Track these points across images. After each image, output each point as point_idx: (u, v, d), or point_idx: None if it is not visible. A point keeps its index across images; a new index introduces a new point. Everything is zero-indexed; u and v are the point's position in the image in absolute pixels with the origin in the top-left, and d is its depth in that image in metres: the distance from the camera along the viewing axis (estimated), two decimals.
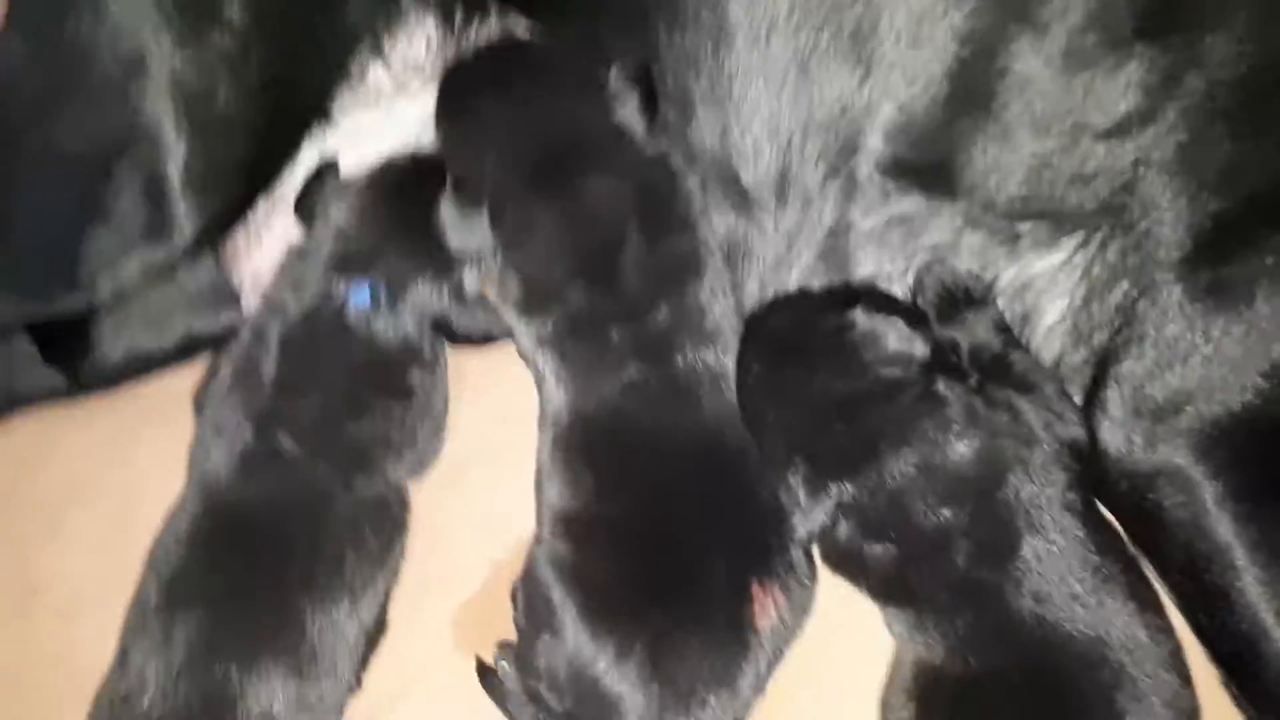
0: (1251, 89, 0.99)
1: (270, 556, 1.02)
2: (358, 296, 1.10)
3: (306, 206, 1.17)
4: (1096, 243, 1.05)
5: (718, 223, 1.13)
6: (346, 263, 1.12)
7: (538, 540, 1.04)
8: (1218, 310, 0.98)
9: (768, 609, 0.96)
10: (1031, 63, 1.03)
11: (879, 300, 1.08)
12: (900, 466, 0.96)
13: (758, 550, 0.98)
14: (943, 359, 1.03)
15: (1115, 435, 1.01)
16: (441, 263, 1.13)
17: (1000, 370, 1.07)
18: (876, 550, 0.98)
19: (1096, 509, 1.00)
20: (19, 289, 1.11)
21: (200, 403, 1.14)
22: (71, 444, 1.24)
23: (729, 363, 1.05)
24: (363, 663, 1.06)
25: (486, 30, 1.21)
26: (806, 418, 1.01)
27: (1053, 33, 1.02)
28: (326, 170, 1.19)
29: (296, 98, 1.15)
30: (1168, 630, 0.95)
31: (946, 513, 0.95)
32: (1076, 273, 1.07)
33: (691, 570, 0.97)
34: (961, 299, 1.09)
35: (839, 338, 1.02)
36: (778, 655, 0.99)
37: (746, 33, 1.08)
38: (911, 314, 1.06)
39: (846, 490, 0.97)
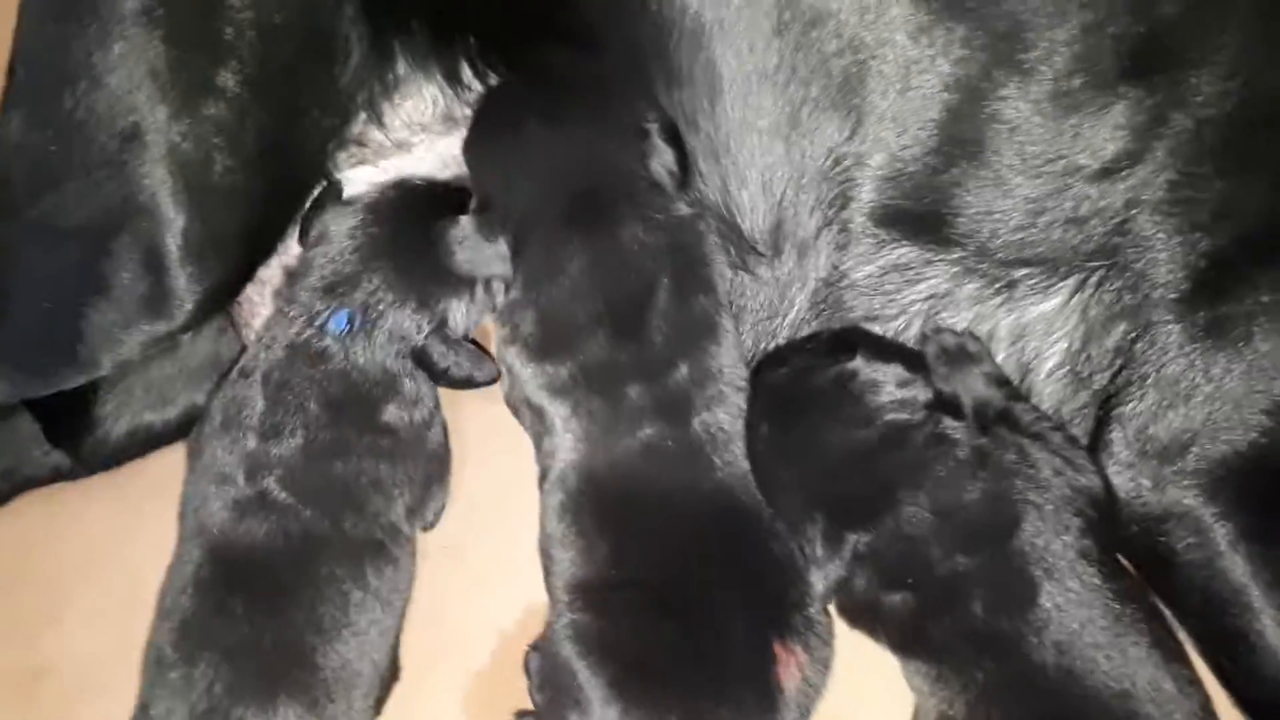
0: (1238, 126, 1.00)
1: (274, 599, 1.02)
2: (336, 321, 1.09)
3: (305, 226, 1.16)
4: (1093, 285, 1.06)
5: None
6: (331, 287, 1.11)
7: (553, 613, 1.01)
8: (1217, 348, 0.98)
9: (791, 669, 0.95)
10: (1020, 108, 1.04)
11: (876, 346, 1.08)
12: (916, 512, 0.96)
13: (777, 610, 0.97)
14: (944, 401, 1.04)
15: (1123, 478, 1.02)
16: (429, 295, 1.11)
17: (1007, 424, 1.07)
18: (895, 600, 0.97)
19: (1114, 556, 1.00)
20: (19, 366, 1.10)
21: (193, 448, 1.13)
22: (76, 523, 1.23)
23: (740, 425, 1.05)
24: (377, 705, 1.06)
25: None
26: (820, 472, 1.01)
27: (1039, 77, 1.03)
28: (330, 191, 1.18)
29: (294, 164, 1.15)
30: (1195, 681, 0.94)
31: (963, 560, 0.95)
32: (1074, 316, 1.07)
33: (715, 636, 0.95)
34: (960, 358, 1.09)
35: (841, 388, 1.02)
36: (804, 716, 0.98)
37: (738, 87, 1.09)
38: (908, 357, 1.07)
39: (863, 540, 0.97)
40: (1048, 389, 1.09)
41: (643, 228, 1.06)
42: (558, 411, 1.04)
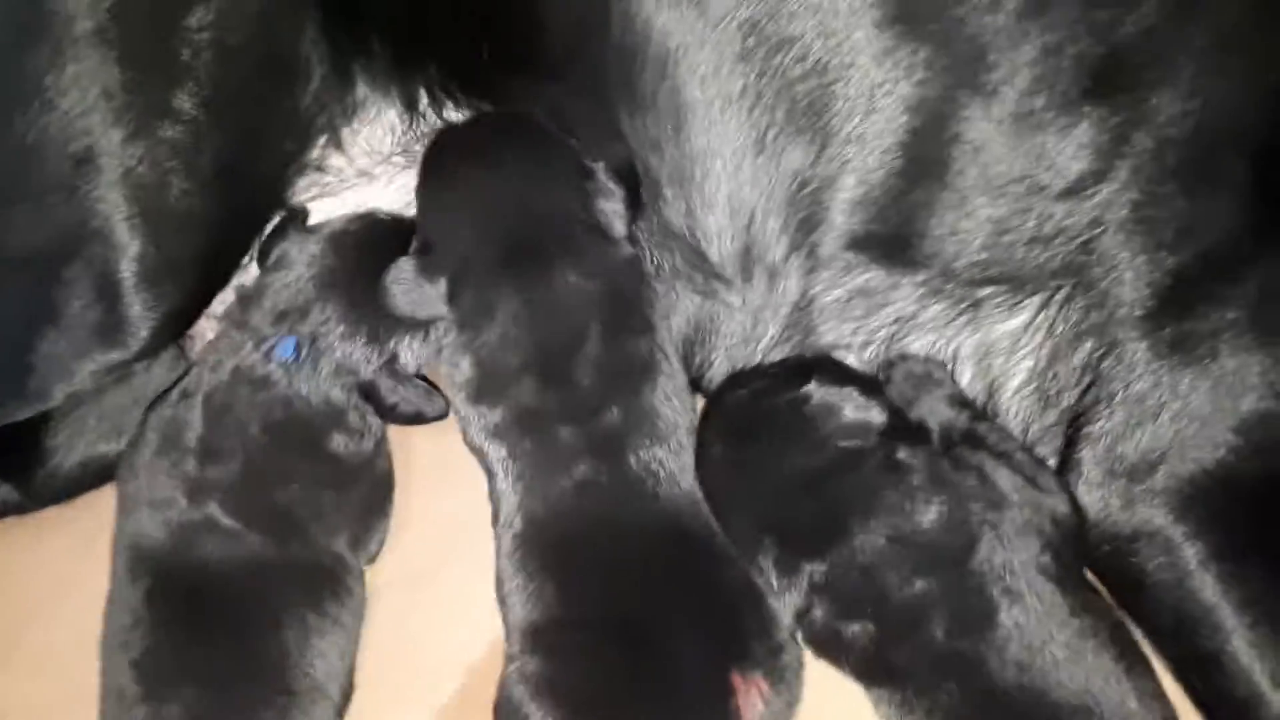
0: (1199, 145, 1.00)
1: (236, 623, 1.00)
2: (283, 349, 1.08)
3: (266, 249, 1.15)
4: (1058, 303, 1.06)
5: (685, 301, 1.14)
6: (285, 314, 1.09)
7: (508, 659, 0.99)
8: (1184, 365, 0.99)
9: (752, 699, 0.93)
10: (983, 128, 1.04)
11: (833, 370, 1.08)
12: (870, 540, 0.95)
13: (734, 639, 0.96)
14: (902, 424, 1.04)
15: (1092, 497, 1.01)
16: (380, 330, 1.10)
17: (971, 444, 1.07)
18: (854, 629, 0.96)
19: (1078, 574, 1.00)
20: None
21: (125, 471, 1.09)
22: (25, 562, 1.18)
23: (686, 460, 1.03)
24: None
25: (449, 118, 1.21)
26: (770, 496, 1.01)
27: (1002, 97, 1.03)
28: (293, 217, 1.17)
29: (253, 188, 1.14)
30: (1160, 696, 0.94)
31: (920, 584, 0.94)
32: (1039, 334, 1.08)
33: (667, 670, 0.93)
34: (924, 383, 1.10)
35: (796, 412, 1.02)
36: None
37: (704, 112, 1.09)
38: (866, 383, 1.06)
39: (818, 570, 0.97)
40: (1014, 407, 1.09)
41: (576, 273, 1.06)
42: (496, 454, 1.04)
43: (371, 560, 1.13)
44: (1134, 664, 0.94)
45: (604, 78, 1.11)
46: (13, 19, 1.05)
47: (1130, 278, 1.02)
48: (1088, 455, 1.02)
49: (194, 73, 1.06)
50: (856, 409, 1.02)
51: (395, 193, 1.23)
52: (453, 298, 1.07)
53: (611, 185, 1.11)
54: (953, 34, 1.04)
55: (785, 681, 0.97)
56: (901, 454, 0.99)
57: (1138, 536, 0.99)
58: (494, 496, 1.06)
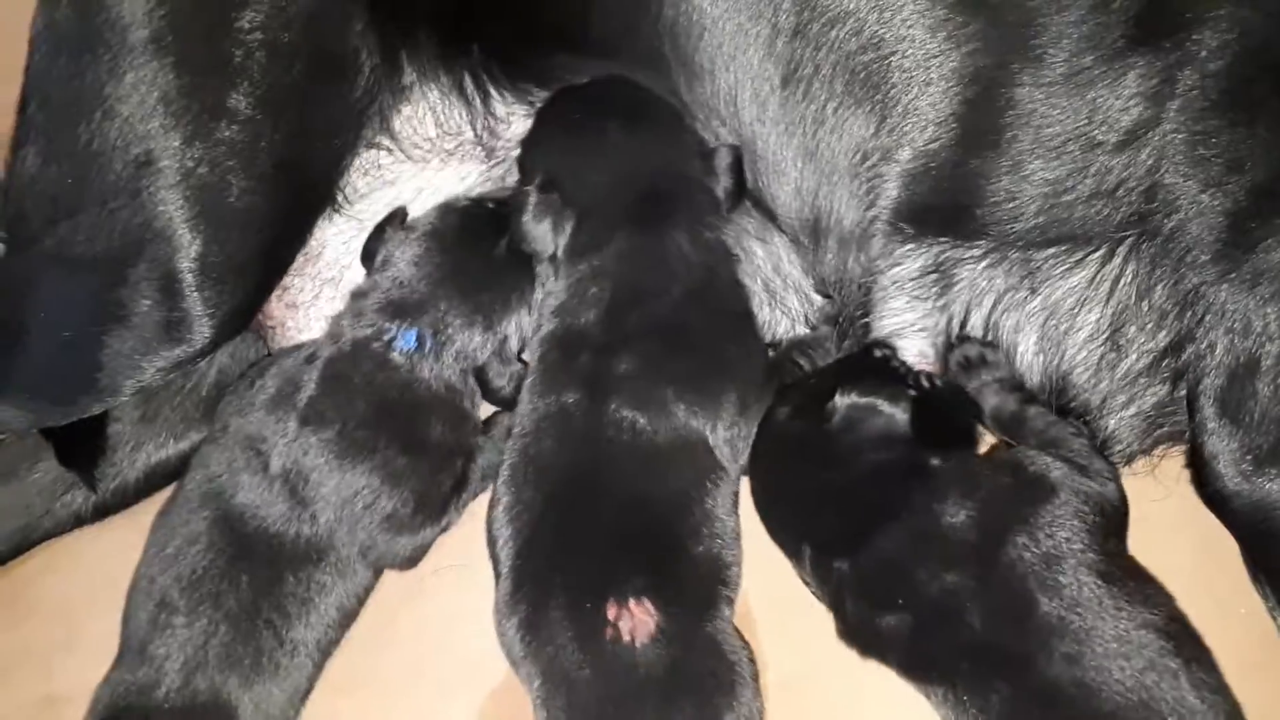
0: (1237, 76, 1.00)
1: (271, 582, 1.08)
2: (406, 341, 1.12)
3: (370, 250, 1.18)
4: (1122, 254, 1.06)
5: (759, 254, 1.16)
6: (400, 308, 1.13)
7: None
8: (1268, 302, 0.98)
9: (640, 619, 0.97)
10: (1035, 93, 1.04)
11: (861, 377, 1.07)
12: (895, 537, 0.97)
13: (621, 573, 1.00)
14: (931, 423, 1.04)
15: (1223, 454, 1.00)
16: (494, 316, 1.15)
17: (1020, 430, 1.08)
18: (891, 621, 0.97)
19: (1126, 562, 0.98)
20: (39, 395, 1.10)
21: (235, 402, 1.16)
22: (87, 553, 1.22)
23: (660, 430, 1.05)
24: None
25: (504, 102, 1.22)
26: (805, 511, 1.04)
27: (1050, 60, 1.04)
28: (394, 216, 1.20)
29: (309, 182, 1.16)
30: (1224, 690, 0.92)
31: (950, 578, 0.95)
32: (1104, 286, 1.07)
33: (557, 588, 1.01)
34: (977, 367, 1.10)
35: (823, 431, 1.04)
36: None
37: (762, 84, 1.10)
38: (892, 387, 1.06)
39: (846, 566, 0.99)
40: (1084, 359, 1.09)
41: (687, 239, 1.11)
42: (534, 359, 1.12)
43: (411, 565, 1.16)
44: (1193, 658, 0.92)
45: (657, 53, 1.12)
46: (71, 31, 1.08)
47: (1193, 220, 1.01)
48: (1211, 413, 1.01)
49: (248, 73, 1.08)
50: (882, 420, 1.03)
51: (447, 177, 1.24)
52: (575, 232, 1.13)
53: (722, 168, 1.14)
54: (1002, 3, 1.04)
55: (689, 599, 1.00)
56: (928, 457, 1.00)
57: (1274, 491, 0.98)
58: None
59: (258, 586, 1.07)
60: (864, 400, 1.03)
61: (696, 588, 1.01)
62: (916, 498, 0.98)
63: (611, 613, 0.98)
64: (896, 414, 1.03)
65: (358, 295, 1.16)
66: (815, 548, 1.02)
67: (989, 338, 1.12)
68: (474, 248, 1.16)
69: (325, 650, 1.11)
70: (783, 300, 1.19)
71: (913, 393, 1.06)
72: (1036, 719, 0.91)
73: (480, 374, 1.16)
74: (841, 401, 1.04)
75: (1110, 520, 0.98)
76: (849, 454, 1.02)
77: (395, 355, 1.12)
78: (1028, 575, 0.93)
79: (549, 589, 1.01)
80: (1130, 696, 0.88)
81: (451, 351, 1.13)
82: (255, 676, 1.06)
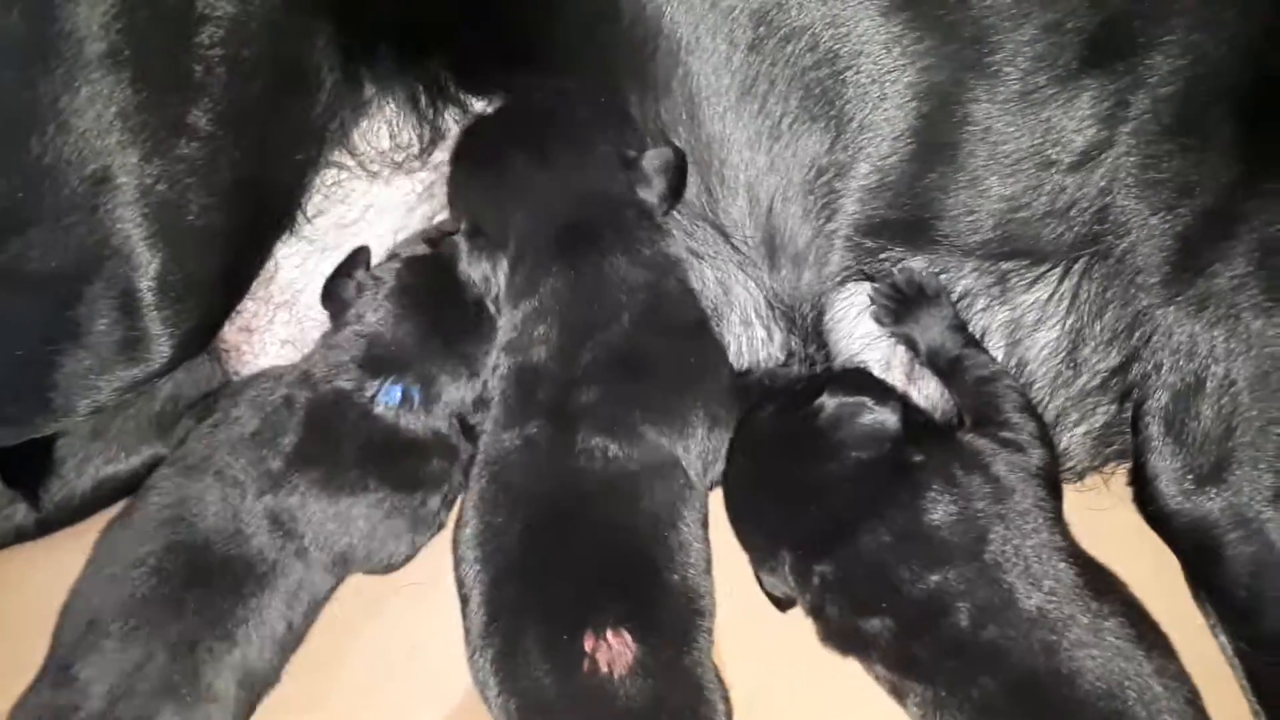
0: (1189, 101, 1.03)
1: (224, 609, 1.05)
2: (389, 396, 1.11)
3: (334, 296, 1.17)
4: (1078, 273, 1.08)
5: (709, 277, 1.16)
6: (380, 364, 1.12)
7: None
8: (1212, 326, 1.00)
9: (618, 650, 0.97)
10: (990, 109, 1.07)
11: (848, 381, 1.08)
12: (876, 538, 0.97)
13: (599, 603, 0.99)
14: (914, 424, 1.04)
15: (1167, 482, 1.03)
16: (475, 363, 1.15)
17: (955, 377, 1.09)
18: (874, 625, 0.97)
19: (1082, 551, 1.00)
20: None
21: (207, 432, 1.14)
22: (34, 575, 1.19)
23: (631, 455, 1.04)
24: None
25: (453, 115, 1.22)
26: (785, 509, 1.03)
27: (1005, 77, 1.06)
28: (355, 261, 1.19)
29: (269, 199, 1.14)
30: (1183, 676, 0.94)
31: (935, 578, 0.95)
32: (1063, 304, 1.09)
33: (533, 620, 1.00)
34: (918, 300, 1.11)
35: (809, 426, 1.04)
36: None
37: (719, 100, 1.11)
38: (880, 390, 1.07)
39: (827, 570, 0.99)
40: (1042, 374, 1.11)
41: (626, 258, 1.10)
42: (495, 391, 1.12)
43: (390, 572, 1.15)
44: (1154, 644, 0.94)
45: (614, 67, 1.13)
46: (24, 42, 1.05)
47: (1143, 242, 1.04)
48: (1155, 432, 1.03)
49: (208, 89, 1.06)
50: (869, 417, 1.03)
51: (394, 193, 1.24)
52: (513, 270, 1.12)
53: (650, 173, 1.13)
54: (956, 19, 1.06)
55: (666, 629, 0.99)
56: (912, 456, 1.01)
57: (1214, 511, 1.00)
58: None
59: (205, 614, 1.04)
60: (853, 399, 1.03)
61: (674, 618, 1.01)
62: (901, 496, 0.98)
63: (589, 644, 0.97)
64: (886, 412, 1.03)
65: (331, 346, 1.15)
66: (795, 550, 1.01)
67: None
68: (446, 298, 1.16)
69: (270, 671, 1.09)
70: (729, 323, 1.19)
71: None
72: (1014, 711, 0.92)
73: (461, 418, 1.16)
74: (830, 400, 1.03)
75: (1053, 492, 1.01)
76: (836, 450, 1.02)
77: (379, 409, 1.11)
78: (1009, 570, 0.94)
79: (524, 620, 1.00)
80: (1099, 684, 0.90)
81: (441, 404, 1.13)
82: (193, 704, 1.03)
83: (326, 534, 1.08)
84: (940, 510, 0.97)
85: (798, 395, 1.07)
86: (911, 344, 1.12)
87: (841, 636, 1.01)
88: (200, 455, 1.12)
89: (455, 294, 1.15)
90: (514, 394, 1.09)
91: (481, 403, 1.16)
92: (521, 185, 1.14)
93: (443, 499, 1.14)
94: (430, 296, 1.16)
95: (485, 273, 1.14)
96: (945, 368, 1.10)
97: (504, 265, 1.13)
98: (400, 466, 1.11)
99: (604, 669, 0.96)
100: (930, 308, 1.10)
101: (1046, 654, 0.92)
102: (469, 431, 1.16)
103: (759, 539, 1.05)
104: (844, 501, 0.99)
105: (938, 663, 0.95)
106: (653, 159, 1.13)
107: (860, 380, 1.10)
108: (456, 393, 1.14)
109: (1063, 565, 0.96)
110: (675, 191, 1.14)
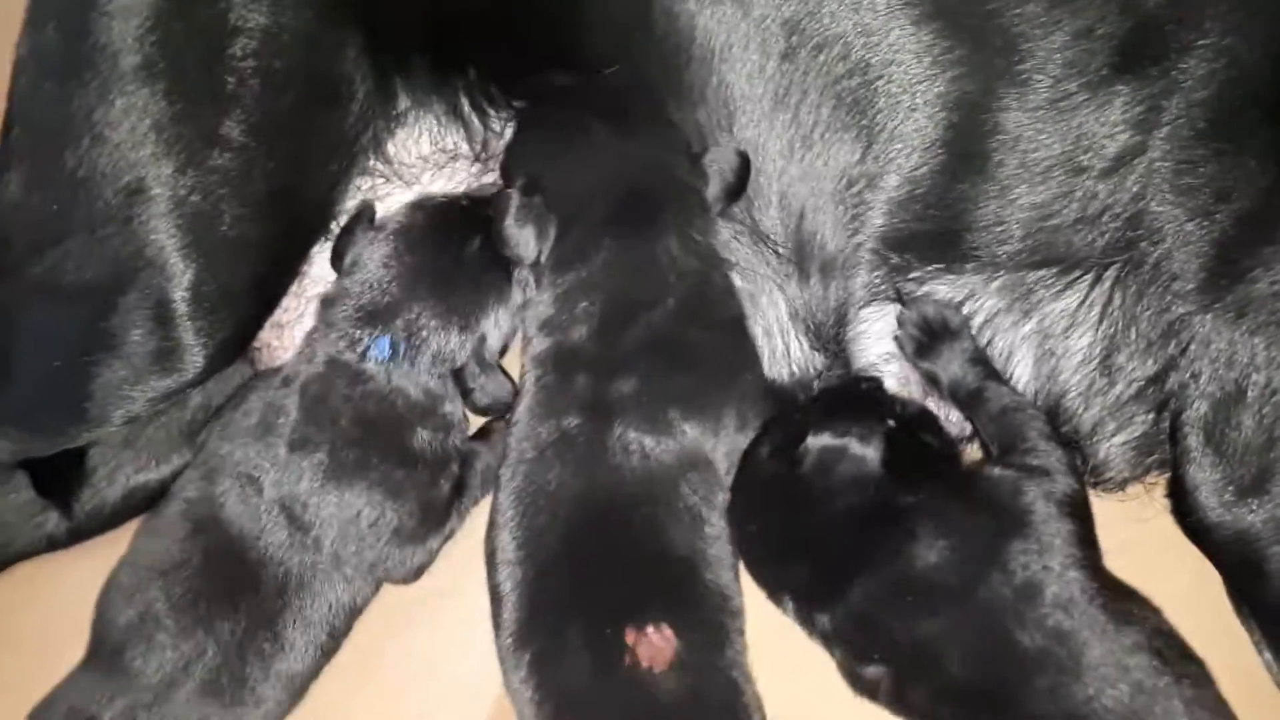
0: (1224, 105, 1.02)
1: (268, 612, 1.06)
2: (379, 349, 1.10)
3: (339, 252, 1.16)
4: (1110, 280, 1.07)
5: (738, 286, 1.14)
6: (371, 315, 1.11)
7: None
8: (1253, 333, 0.99)
9: (657, 645, 0.97)
10: (1020, 118, 1.06)
11: (832, 417, 1.05)
12: (869, 589, 0.96)
13: (640, 598, 0.99)
14: (909, 457, 1.02)
15: (1206, 484, 1.01)
16: (470, 316, 1.13)
17: (977, 409, 1.08)
18: (872, 671, 0.98)
19: (1110, 578, 0.98)
20: (26, 425, 1.08)
21: (221, 431, 1.13)
22: (66, 582, 1.19)
23: (668, 450, 1.04)
24: None
25: (491, 124, 1.22)
26: (778, 558, 1.03)
27: (1035, 85, 1.05)
28: (362, 214, 1.18)
29: (303, 210, 1.15)
30: (1218, 705, 0.92)
31: (925, 627, 0.94)
32: (1095, 310, 1.08)
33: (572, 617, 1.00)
34: (940, 333, 1.10)
35: (797, 469, 1.02)
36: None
37: (752, 107, 1.11)
38: (866, 421, 1.04)
39: (827, 620, 0.98)
40: (1076, 384, 1.10)
41: (680, 245, 1.09)
42: (529, 379, 1.09)
43: (416, 577, 1.14)
44: (1185, 674, 0.92)
45: (648, 74, 1.13)
46: (59, 56, 1.07)
47: (1179, 248, 1.03)
48: (1194, 443, 1.02)
49: (241, 100, 1.07)
50: (853, 462, 1.01)
51: (437, 188, 1.24)
52: (559, 238, 1.11)
53: (712, 170, 1.12)
54: (987, 28, 1.06)
55: (704, 626, 0.99)
56: (901, 497, 0.99)
57: (1256, 523, 0.99)
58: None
59: (255, 616, 1.05)
60: (836, 442, 1.02)
61: (710, 615, 1.00)
62: (889, 544, 0.97)
63: (630, 639, 0.96)
64: (868, 454, 1.01)
65: (327, 303, 1.14)
66: (795, 599, 1.01)
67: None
68: (445, 245, 1.13)
69: (309, 677, 1.10)
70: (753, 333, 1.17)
71: (892, 423, 1.04)
72: None
73: (458, 377, 1.14)
74: (814, 443, 1.02)
75: (1083, 522, 0.98)
76: (821, 499, 1.01)
77: (370, 366, 1.10)
78: (1005, 611, 0.92)
79: (566, 618, 0.99)
80: None
81: (427, 355, 1.11)
82: (236, 707, 1.05)
83: (338, 522, 1.07)
84: (930, 556, 0.95)
85: (791, 432, 1.05)
86: (933, 379, 1.11)
87: (850, 678, 1.01)
88: (215, 452, 1.12)
89: (456, 241, 1.13)
90: (552, 380, 1.07)
91: (484, 363, 1.14)
92: (594, 149, 1.13)
93: (453, 487, 1.12)
94: (429, 240, 1.14)
95: (531, 234, 1.10)
96: (967, 400, 1.09)
97: (554, 228, 1.11)
98: (393, 436, 1.09)
99: (645, 664, 0.96)
100: (951, 341, 1.09)
101: (1055, 698, 0.89)
102: (466, 396, 1.14)
103: (762, 584, 1.05)
104: (833, 555, 0.99)
105: (935, 710, 0.95)
106: (715, 156, 1.12)
107: (846, 413, 1.06)
108: (446, 344, 1.12)
109: (1083, 598, 0.93)
110: (734, 191, 1.13)
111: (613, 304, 1.08)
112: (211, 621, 1.04)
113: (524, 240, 1.11)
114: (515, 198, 1.11)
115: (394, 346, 1.10)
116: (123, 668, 1.03)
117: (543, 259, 1.11)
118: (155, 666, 1.03)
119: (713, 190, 1.12)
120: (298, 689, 1.09)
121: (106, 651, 1.05)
